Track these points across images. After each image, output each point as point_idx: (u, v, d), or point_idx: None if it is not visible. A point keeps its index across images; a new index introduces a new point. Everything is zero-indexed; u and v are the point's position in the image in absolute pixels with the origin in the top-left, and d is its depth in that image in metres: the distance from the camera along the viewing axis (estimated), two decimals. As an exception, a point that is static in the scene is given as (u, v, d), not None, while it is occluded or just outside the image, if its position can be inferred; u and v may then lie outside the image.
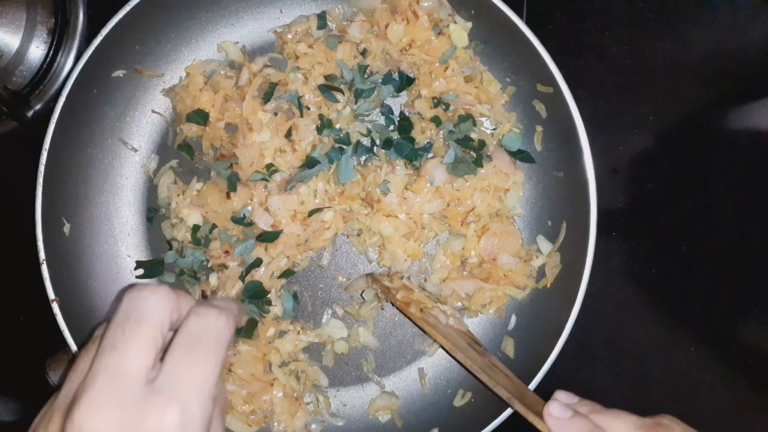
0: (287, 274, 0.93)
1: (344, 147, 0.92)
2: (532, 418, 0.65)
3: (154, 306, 0.52)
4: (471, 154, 0.91)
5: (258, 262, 0.91)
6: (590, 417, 0.63)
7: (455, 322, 0.87)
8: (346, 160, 0.90)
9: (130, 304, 0.52)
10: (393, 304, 0.91)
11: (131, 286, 0.57)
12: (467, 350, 0.80)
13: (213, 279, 0.92)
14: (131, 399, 0.48)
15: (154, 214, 0.96)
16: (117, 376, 0.48)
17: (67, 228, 0.90)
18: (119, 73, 0.92)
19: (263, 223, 0.91)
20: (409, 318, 0.88)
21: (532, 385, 0.83)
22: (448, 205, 0.91)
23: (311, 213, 0.90)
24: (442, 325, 0.85)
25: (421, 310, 0.85)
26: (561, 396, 0.68)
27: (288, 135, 0.92)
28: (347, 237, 0.95)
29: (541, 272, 0.91)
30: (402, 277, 0.91)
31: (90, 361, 0.51)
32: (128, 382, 0.48)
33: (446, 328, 0.85)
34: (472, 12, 0.88)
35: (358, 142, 0.92)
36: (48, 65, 0.99)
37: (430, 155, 0.92)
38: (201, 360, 0.51)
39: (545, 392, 0.82)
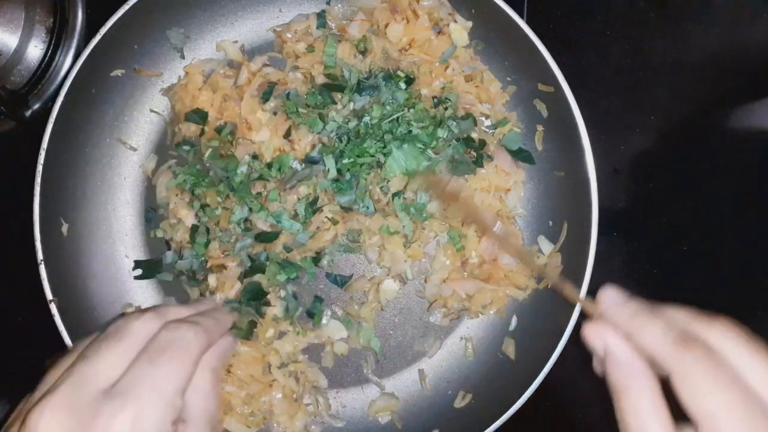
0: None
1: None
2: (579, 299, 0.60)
3: (136, 326, 0.55)
4: (471, 153, 0.90)
5: (262, 268, 0.90)
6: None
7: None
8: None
9: (114, 327, 0.55)
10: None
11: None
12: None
13: (212, 280, 0.92)
14: (86, 403, 0.49)
15: (152, 214, 0.96)
16: (79, 382, 0.50)
17: (65, 228, 0.90)
18: (118, 72, 0.92)
19: (262, 223, 0.90)
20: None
21: (533, 387, 0.82)
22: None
23: (311, 213, 0.90)
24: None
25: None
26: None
27: (287, 135, 0.91)
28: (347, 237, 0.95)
29: (542, 273, 0.90)
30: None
31: (63, 370, 0.53)
32: (88, 388, 0.50)
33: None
34: (473, 11, 0.88)
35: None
36: (46, 64, 0.98)
37: (431, 155, 0.91)
38: (162, 367, 0.52)
39: (546, 393, 0.82)
